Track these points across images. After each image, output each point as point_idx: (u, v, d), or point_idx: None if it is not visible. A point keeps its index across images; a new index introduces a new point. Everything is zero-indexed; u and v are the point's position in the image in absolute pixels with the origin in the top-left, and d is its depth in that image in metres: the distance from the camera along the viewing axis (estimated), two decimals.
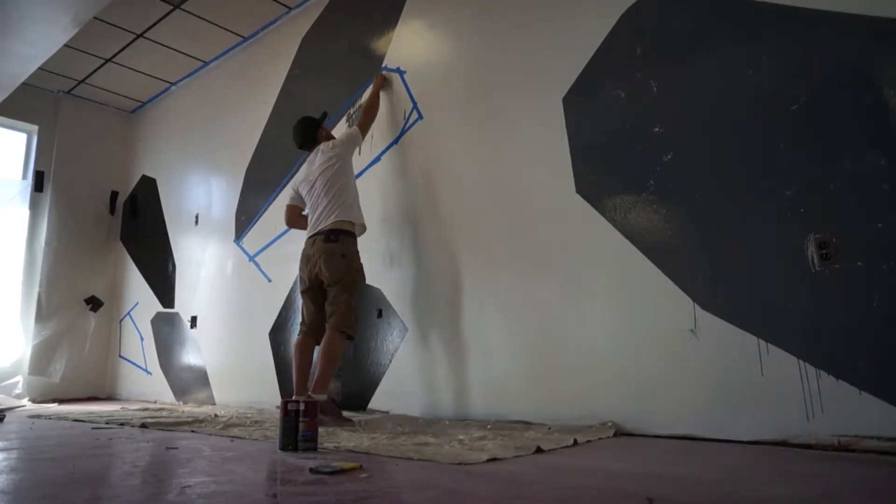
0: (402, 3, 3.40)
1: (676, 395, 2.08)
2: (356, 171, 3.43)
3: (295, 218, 3.19)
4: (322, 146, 3.05)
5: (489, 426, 2.36)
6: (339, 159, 2.97)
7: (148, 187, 5.33)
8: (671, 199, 2.21)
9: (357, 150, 3.20)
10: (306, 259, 2.87)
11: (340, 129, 3.60)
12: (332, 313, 2.74)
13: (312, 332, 2.86)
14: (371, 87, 3.34)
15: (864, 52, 1.86)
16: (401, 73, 3.32)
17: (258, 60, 4.43)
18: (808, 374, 1.83)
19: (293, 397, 2.57)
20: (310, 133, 3.13)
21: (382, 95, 3.36)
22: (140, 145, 5.60)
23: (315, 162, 3.01)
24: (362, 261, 2.88)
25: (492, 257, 2.74)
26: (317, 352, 2.80)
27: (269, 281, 3.87)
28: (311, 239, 2.87)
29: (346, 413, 2.76)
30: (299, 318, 3.02)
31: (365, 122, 3.19)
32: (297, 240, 3.71)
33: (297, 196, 3.12)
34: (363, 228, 2.95)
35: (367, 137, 3.43)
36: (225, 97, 4.68)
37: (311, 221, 2.95)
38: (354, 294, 2.80)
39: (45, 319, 4.97)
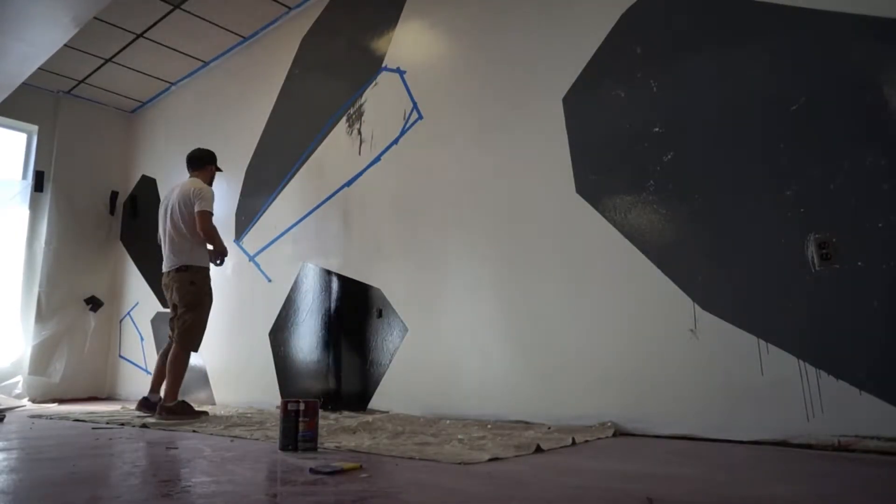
0: (402, 3, 3.40)
1: (676, 395, 2.08)
2: (355, 172, 3.44)
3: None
4: (188, 183, 3.30)
5: (489, 426, 2.36)
6: (188, 208, 3.21)
7: (148, 187, 5.32)
8: (671, 199, 2.21)
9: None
10: (165, 287, 3.32)
11: (340, 130, 3.60)
12: (177, 330, 3.16)
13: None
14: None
15: (864, 52, 1.86)
16: (401, 73, 3.32)
17: (258, 60, 4.43)
18: (808, 374, 1.83)
19: (148, 394, 3.25)
20: (194, 164, 3.41)
21: (382, 96, 3.38)
22: (140, 145, 5.60)
23: (174, 193, 3.30)
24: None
25: (492, 257, 2.74)
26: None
27: (269, 281, 3.87)
28: (167, 272, 3.28)
29: (345, 413, 2.77)
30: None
31: (208, 229, 3.22)
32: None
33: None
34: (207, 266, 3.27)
35: (367, 137, 3.44)
36: (225, 97, 4.68)
37: (164, 250, 3.33)
38: (198, 314, 3.16)
39: (45, 319, 4.96)
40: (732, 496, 1.22)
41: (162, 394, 3.09)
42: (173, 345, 3.16)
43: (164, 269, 3.31)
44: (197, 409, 3.17)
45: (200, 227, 3.16)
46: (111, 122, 5.63)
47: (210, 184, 3.38)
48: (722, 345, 2.00)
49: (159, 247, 3.45)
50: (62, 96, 5.34)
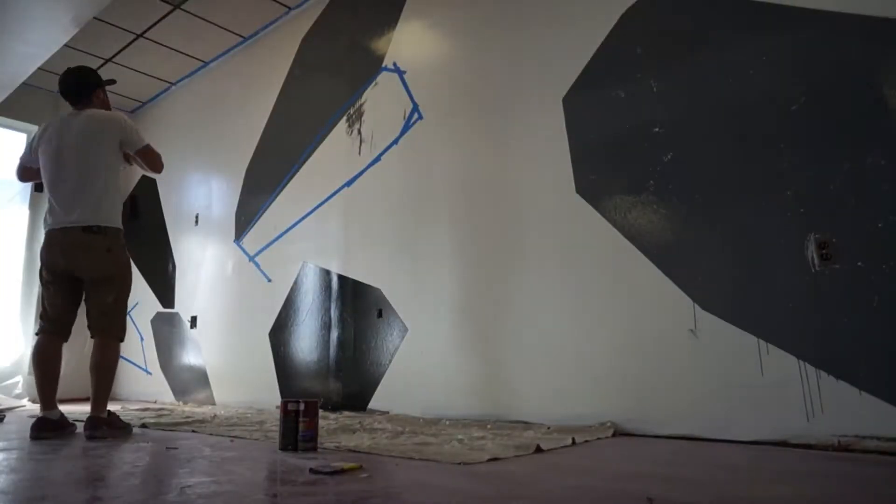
0: (402, 2, 3.40)
1: (676, 395, 2.08)
2: (355, 172, 3.44)
3: (27, 175, 2.74)
4: (88, 112, 2.59)
5: (489, 426, 2.36)
6: (107, 145, 2.54)
7: (148, 187, 5.32)
8: (671, 199, 2.21)
9: (122, 155, 2.72)
10: (59, 248, 2.41)
11: (340, 130, 3.60)
12: (102, 316, 2.42)
13: (59, 333, 2.51)
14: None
15: (864, 52, 1.86)
16: (401, 73, 3.32)
17: (258, 60, 4.43)
18: (808, 374, 1.83)
19: (40, 413, 2.35)
20: (86, 86, 2.68)
21: (382, 96, 3.37)
22: None
23: (73, 128, 2.54)
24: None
25: (491, 257, 2.74)
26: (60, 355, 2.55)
27: (269, 281, 3.87)
28: (63, 230, 2.41)
29: (345, 413, 2.77)
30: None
31: (151, 156, 2.78)
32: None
33: (31, 158, 2.63)
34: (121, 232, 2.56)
35: (367, 137, 3.43)
36: (225, 97, 4.68)
37: (57, 202, 2.45)
38: (123, 294, 2.50)
39: None
40: (732, 496, 1.22)
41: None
42: (103, 339, 2.45)
43: (57, 222, 2.44)
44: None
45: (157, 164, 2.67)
46: None
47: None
48: (722, 345, 2.00)
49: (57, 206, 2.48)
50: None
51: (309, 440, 1.84)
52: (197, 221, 4.69)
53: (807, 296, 1.86)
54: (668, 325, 2.13)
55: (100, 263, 2.44)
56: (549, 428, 2.25)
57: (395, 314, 3.08)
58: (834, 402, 1.77)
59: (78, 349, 5.14)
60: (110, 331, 2.47)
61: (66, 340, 2.56)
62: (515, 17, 2.84)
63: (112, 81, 2.89)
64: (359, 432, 2.28)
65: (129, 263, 2.62)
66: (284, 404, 1.86)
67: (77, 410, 3.72)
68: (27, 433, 2.28)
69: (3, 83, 4.15)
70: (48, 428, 2.30)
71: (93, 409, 2.41)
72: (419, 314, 2.99)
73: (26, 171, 2.74)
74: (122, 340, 2.54)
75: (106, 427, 2.34)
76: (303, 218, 3.73)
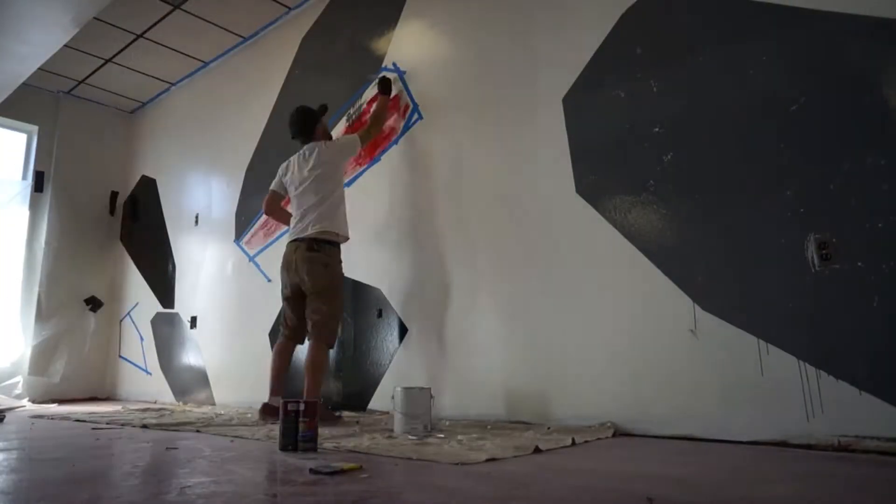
0: (402, 2, 3.40)
1: (676, 395, 2.08)
2: (355, 172, 3.43)
3: (275, 207, 3.14)
4: (318, 146, 2.96)
5: (489, 426, 2.36)
6: (334, 165, 2.93)
7: (148, 187, 5.33)
8: (671, 199, 2.21)
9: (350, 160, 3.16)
10: (287, 265, 2.85)
11: (340, 130, 3.60)
12: (314, 324, 2.74)
13: (293, 339, 2.90)
14: (381, 100, 3.18)
15: (864, 52, 1.86)
16: (401, 73, 3.32)
17: (258, 60, 4.43)
18: (808, 374, 1.83)
19: (269, 399, 2.75)
20: (308, 127, 3.04)
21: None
22: (140, 145, 5.60)
23: (309, 162, 2.93)
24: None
25: (491, 257, 2.73)
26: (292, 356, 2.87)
27: (269, 281, 3.87)
28: (294, 245, 2.84)
29: (345, 413, 2.76)
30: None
31: (370, 133, 3.10)
32: None
33: (282, 186, 3.06)
34: (346, 239, 2.93)
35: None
36: (225, 97, 4.68)
37: (294, 224, 2.90)
38: (335, 303, 2.80)
39: (44, 319, 4.97)
40: (732, 496, 1.22)
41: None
42: (313, 342, 2.76)
43: (291, 237, 2.88)
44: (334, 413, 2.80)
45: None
46: (111, 123, 5.63)
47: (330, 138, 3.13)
48: (722, 345, 2.00)
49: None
50: (62, 96, 5.34)
51: (309, 440, 1.84)
52: (197, 221, 4.69)
53: (807, 296, 1.86)
54: (668, 325, 2.13)
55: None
56: (549, 428, 2.25)
57: (395, 314, 3.08)
58: (834, 402, 1.77)
59: (77, 352, 5.15)
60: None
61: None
62: (515, 17, 2.84)
63: (324, 109, 3.23)
64: (359, 432, 2.28)
65: None
66: (285, 404, 1.86)
67: (77, 410, 3.73)
68: (27, 433, 2.27)
69: (3, 83, 4.15)
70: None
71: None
72: (419, 314, 2.99)
73: None
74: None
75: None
76: None
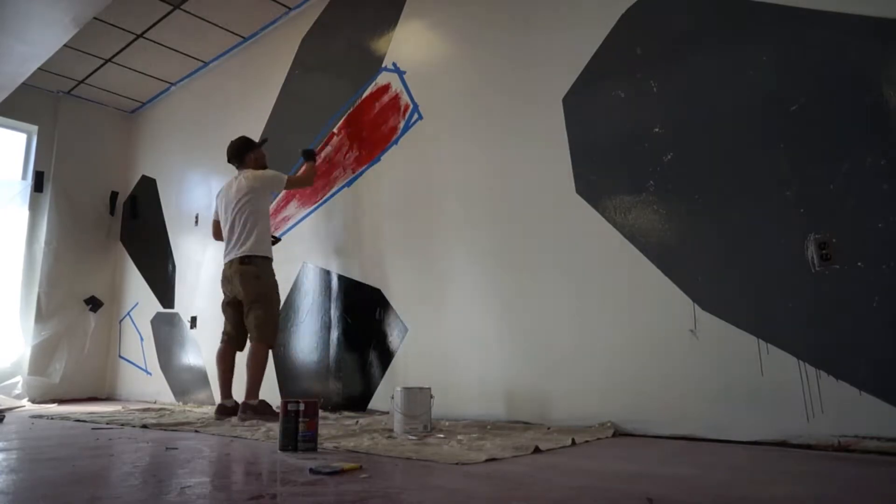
0: (402, 2, 3.40)
1: (676, 395, 2.08)
2: (354, 174, 3.44)
3: (218, 233, 3.41)
4: (243, 173, 3.24)
5: (488, 427, 2.36)
6: (255, 194, 3.16)
7: (148, 187, 5.33)
8: (671, 199, 2.21)
9: (272, 194, 3.38)
10: (224, 279, 3.18)
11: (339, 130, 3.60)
12: (254, 327, 3.02)
13: (231, 343, 3.18)
14: (308, 166, 3.40)
15: (864, 52, 1.86)
16: (401, 73, 3.32)
17: (258, 60, 4.43)
18: (808, 374, 1.83)
19: (220, 401, 3.07)
20: (239, 154, 3.33)
21: (381, 97, 3.37)
22: (140, 145, 5.60)
23: (233, 187, 3.23)
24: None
25: (491, 257, 2.73)
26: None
27: None
28: (228, 263, 3.15)
29: (345, 413, 2.77)
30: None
31: (298, 183, 3.35)
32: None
33: (217, 212, 3.38)
34: (270, 259, 3.19)
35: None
36: (225, 97, 4.68)
37: (226, 244, 3.20)
38: (270, 309, 3.08)
39: (44, 319, 4.97)
40: (732, 496, 1.22)
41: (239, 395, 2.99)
42: (253, 343, 3.03)
43: (226, 258, 3.19)
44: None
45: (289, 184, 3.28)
46: (111, 122, 5.63)
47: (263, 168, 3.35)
48: (722, 345, 2.00)
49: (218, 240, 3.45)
50: (62, 96, 5.34)
51: (309, 440, 1.84)
52: (197, 221, 4.69)
53: (807, 296, 1.86)
54: (668, 325, 2.13)
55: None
56: (549, 428, 2.25)
57: (395, 314, 3.08)
58: (834, 402, 1.77)
59: (77, 352, 5.14)
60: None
61: None
62: (515, 17, 2.84)
63: (264, 141, 3.51)
64: (358, 433, 2.28)
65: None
66: (284, 404, 1.86)
67: (77, 410, 3.72)
68: (27, 433, 2.27)
69: (3, 83, 4.15)
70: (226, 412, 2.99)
71: (246, 396, 2.95)
72: (419, 314, 2.99)
73: None
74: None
75: (251, 411, 2.85)
76: (303, 218, 3.74)
